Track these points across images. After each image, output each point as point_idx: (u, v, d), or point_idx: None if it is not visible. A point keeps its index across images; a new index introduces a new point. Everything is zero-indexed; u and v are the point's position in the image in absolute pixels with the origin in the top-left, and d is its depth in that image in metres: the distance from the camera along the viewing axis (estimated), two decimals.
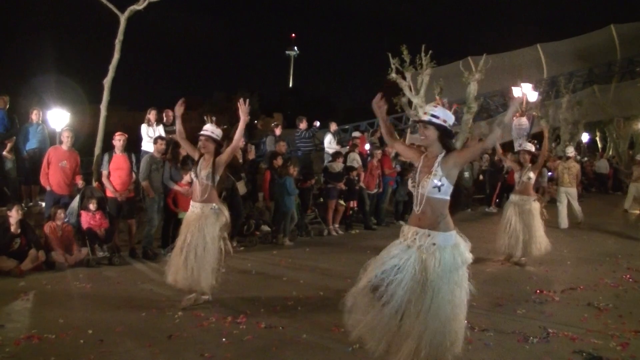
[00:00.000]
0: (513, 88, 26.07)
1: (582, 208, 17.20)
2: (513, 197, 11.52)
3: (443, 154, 5.15)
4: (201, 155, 7.90)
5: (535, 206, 11.22)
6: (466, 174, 19.63)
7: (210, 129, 7.87)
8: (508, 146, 25.98)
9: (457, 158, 5.12)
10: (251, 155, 14.30)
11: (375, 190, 15.67)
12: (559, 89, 32.86)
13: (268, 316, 7.27)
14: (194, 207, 7.77)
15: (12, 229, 9.91)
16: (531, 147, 11.76)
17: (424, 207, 5.09)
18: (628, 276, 10.18)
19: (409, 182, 5.35)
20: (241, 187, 12.62)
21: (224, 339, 6.46)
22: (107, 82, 14.13)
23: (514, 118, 25.25)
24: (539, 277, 10.04)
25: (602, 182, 29.33)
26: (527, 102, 25.68)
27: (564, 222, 16.40)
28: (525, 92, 25.42)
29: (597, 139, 45.56)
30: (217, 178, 7.81)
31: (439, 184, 5.04)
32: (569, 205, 16.72)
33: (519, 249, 11.03)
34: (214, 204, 7.70)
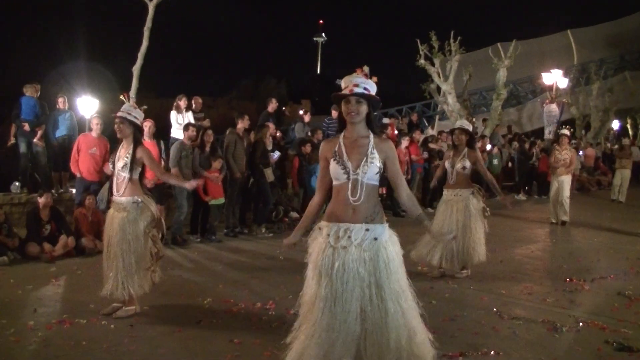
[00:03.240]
0: (543, 75, 25.90)
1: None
2: (445, 192, 9.15)
3: (373, 137, 4.45)
4: (120, 141, 6.99)
5: (474, 202, 8.94)
6: (495, 161, 19.50)
7: (126, 109, 6.86)
8: (539, 133, 25.83)
9: (392, 157, 4.48)
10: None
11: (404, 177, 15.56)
12: (589, 75, 32.55)
13: (296, 302, 7.27)
14: (114, 204, 6.92)
15: (43, 215, 10.04)
16: (471, 126, 9.49)
17: (363, 196, 4.34)
18: None
19: (337, 169, 4.40)
20: (269, 174, 12.64)
21: (253, 325, 6.49)
22: (136, 69, 14.24)
23: (544, 105, 24.87)
24: (569, 266, 9.94)
25: (633, 170, 28.94)
26: (557, 89, 25.49)
27: (553, 215, 14.80)
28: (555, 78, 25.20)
29: (628, 126, 45.05)
30: (138, 169, 6.84)
31: (380, 166, 4.38)
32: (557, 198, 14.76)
33: (456, 259, 8.84)
34: (135, 197, 6.79)
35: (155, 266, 6.80)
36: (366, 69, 4.54)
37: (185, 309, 7.06)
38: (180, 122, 13.42)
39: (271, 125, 13.45)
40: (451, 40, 23.13)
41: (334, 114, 16.32)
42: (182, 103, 13.79)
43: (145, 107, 7.13)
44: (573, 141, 24.93)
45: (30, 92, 12.56)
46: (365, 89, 4.38)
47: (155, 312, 6.95)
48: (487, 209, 9.07)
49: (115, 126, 6.90)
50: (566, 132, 15.25)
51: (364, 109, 4.39)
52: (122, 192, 6.80)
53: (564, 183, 14.57)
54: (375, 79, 4.56)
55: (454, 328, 6.51)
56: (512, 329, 6.54)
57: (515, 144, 21.54)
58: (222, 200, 11.90)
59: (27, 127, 12.27)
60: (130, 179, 6.78)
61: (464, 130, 9.13)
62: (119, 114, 6.86)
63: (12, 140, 12.68)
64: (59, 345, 5.83)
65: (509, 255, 10.72)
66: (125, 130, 6.83)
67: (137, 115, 6.89)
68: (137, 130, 6.94)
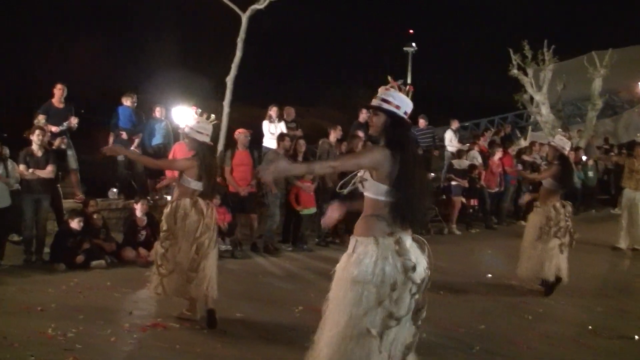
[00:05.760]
0: None
1: None
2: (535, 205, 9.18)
3: None
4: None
5: (559, 216, 8.70)
6: (590, 174, 18.99)
7: (191, 125, 6.98)
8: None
9: None
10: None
11: (496, 189, 15.36)
12: None
13: None
14: None
15: (139, 221, 10.29)
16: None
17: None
18: None
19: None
20: None
21: None
22: (229, 79, 14.44)
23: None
24: None
25: None
26: None
27: (622, 238, 12.47)
28: None
29: None
30: (183, 176, 6.83)
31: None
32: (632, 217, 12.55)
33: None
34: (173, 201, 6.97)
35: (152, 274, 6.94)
36: (399, 82, 4.26)
37: (276, 317, 7.11)
38: (272, 131, 13.53)
39: (361, 135, 13.42)
40: (544, 49, 22.67)
41: (422, 122, 16.24)
42: (274, 112, 13.90)
43: (213, 116, 7.14)
44: None
45: (127, 102, 12.89)
46: (383, 100, 4.24)
47: (248, 318, 7.01)
48: (573, 232, 8.81)
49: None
50: None
51: (379, 121, 4.23)
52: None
53: (637, 201, 12.40)
54: (411, 89, 4.29)
55: (547, 344, 6.39)
56: (608, 348, 6.37)
57: (612, 155, 20.93)
58: (313, 209, 11.94)
59: (124, 135, 12.58)
60: (179, 185, 6.95)
61: (552, 147, 9.11)
62: (185, 130, 7.08)
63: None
64: (153, 347, 5.97)
65: (604, 270, 10.43)
66: (189, 144, 6.96)
67: (202, 129, 6.88)
68: (201, 145, 6.87)
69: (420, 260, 4.13)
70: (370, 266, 4.00)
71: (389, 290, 3.97)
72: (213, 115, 7.14)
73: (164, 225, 6.82)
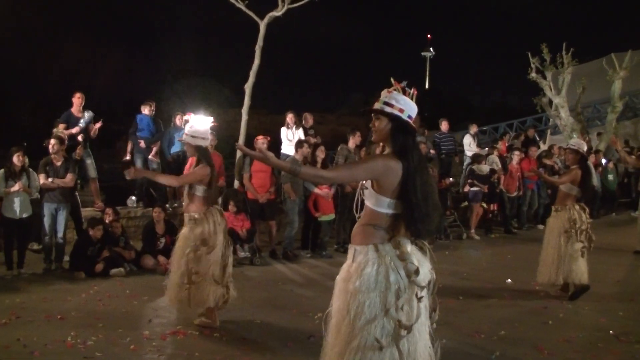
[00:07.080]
0: None
1: None
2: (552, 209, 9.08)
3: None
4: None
5: (574, 220, 8.61)
6: (610, 177, 18.79)
7: (188, 130, 6.89)
8: None
9: None
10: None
11: (516, 194, 15.28)
12: None
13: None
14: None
15: (158, 229, 10.32)
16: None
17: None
18: None
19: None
20: None
21: None
22: (248, 87, 14.48)
23: None
24: None
25: None
26: None
27: None
28: None
29: None
30: (197, 186, 6.80)
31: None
32: None
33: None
34: (191, 214, 6.80)
35: (188, 288, 6.72)
36: (403, 83, 4.08)
37: (296, 323, 7.08)
38: (290, 138, 13.55)
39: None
40: (563, 52, 22.55)
41: (445, 126, 16.17)
42: (290, 119, 13.90)
43: (212, 118, 7.11)
44: None
45: (146, 110, 12.95)
46: (385, 103, 4.02)
47: (267, 325, 7.02)
48: (592, 236, 8.64)
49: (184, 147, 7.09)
50: None
51: (381, 125, 4.04)
52: (185, 207, 6.98)
53: None
54: (414, 92, 4.08)
55: (570, 349, 6.30)
56: (631, 353, 6.26)
57: (633, 158, 20.69)
58: (332, 216, 11.92)
59: (142, 143, 12.64)
60: (191, 195, 6.86)
61: (573, 150, 8.82)
62: (183, 137, 6.97)
63: (128, 157, 13.07)
64: (173, 355, 5.98)
65: (627, 275, 10.30)
66: (188, 150, 6.96)
67: (195, 133, 6.81)
68: (199, 149, 6.86)
69: (423, 263, 4.00)
70: (373, 274, 3.88)
71: (395, 298, 3.86)
72: (211, 118, 7.12)
73: (180, 239, 6.84)
